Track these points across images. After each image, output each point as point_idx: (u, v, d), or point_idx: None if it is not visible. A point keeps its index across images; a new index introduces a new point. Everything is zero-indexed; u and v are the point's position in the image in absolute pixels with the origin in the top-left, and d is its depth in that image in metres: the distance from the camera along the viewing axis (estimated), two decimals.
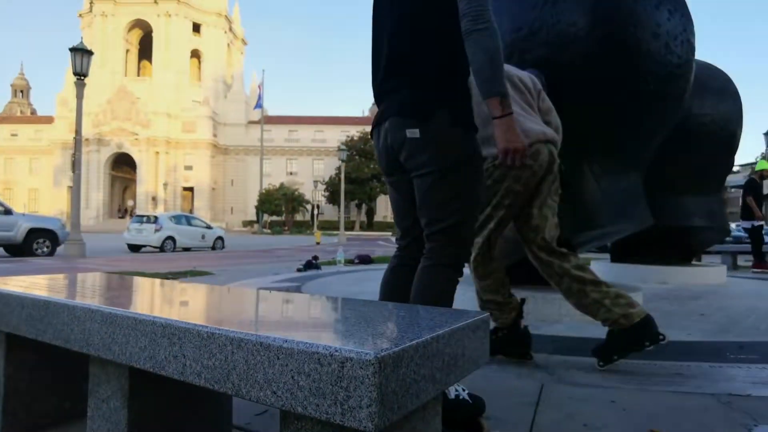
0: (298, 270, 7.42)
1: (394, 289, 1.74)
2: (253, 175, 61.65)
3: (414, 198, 1.67)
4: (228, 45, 72.14)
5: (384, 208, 65.09)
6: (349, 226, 55.82)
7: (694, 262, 6.87)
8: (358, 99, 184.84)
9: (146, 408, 1.16)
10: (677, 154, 5.12)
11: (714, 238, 6.54)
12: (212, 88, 67.21)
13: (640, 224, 3.50)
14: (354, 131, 61.47)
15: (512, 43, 3.19)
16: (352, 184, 54.40)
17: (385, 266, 7.75)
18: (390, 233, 47.29)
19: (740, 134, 5.79)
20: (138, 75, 68.17)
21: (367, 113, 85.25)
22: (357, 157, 56.31)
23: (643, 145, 3.30)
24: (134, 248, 16.06)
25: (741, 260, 9.31)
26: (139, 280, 1.78)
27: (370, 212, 61.12)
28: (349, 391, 0.74)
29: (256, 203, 52.70)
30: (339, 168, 42.84)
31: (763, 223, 8.11)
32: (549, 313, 3.31)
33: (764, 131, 19.36)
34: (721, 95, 5.46)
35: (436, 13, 1.55)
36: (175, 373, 0.96)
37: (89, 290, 1.50)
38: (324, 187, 58.80)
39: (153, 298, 1.49)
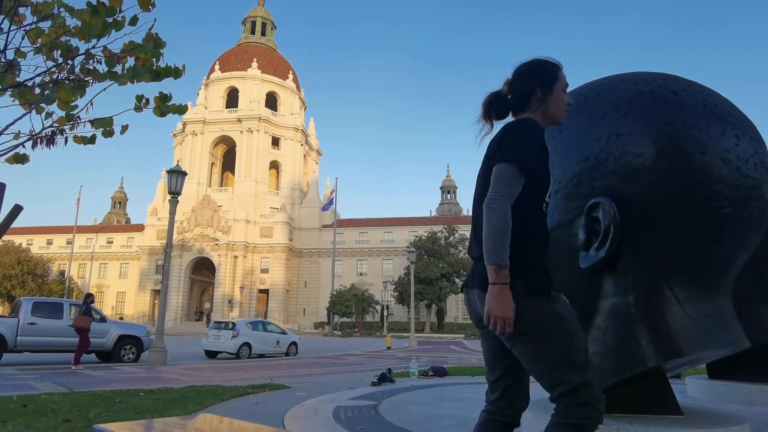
0: (373, 384, 7.37)
1: None
2: (325, 277, 63.03)
3: (498, 352, 1.81)
4: (304, 156, 77.50)
5: (454, 308, 63.69)
6: (420, 328, 54.75)
7: None
8: (425, 200, 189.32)
9: None
10: None
11: None
12: (289, 195, 71.48)
13: (734, 348, 3.32)
14: (422, 231, 62.30)
15: (580, 172, 3.32)
16: (421, 284, 54.13)
17: (459, 379, 7.58)
18: (462, 335, 45.78)
19: None
20: (221, 185, 74.00)
21: (434, 213, 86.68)
22: (425, 256, 56.52)
23: (726, 268, 3.21)
24: (211, 354, 16.55)
25: None
26: None
27: (440, 313, 59.93)
28: None
29: (327, 305, 53.33)
30: (407, 268, 43.08)
31: None
32: None
33: None
34: None
35: None
36: None
37: None
38: (393, 287, 58.88)
39: None
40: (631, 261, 3.11)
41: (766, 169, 3.22)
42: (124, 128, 2.85)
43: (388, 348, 23.39)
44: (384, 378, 7.70)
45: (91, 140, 2.72)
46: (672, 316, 3.06)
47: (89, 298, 12.54)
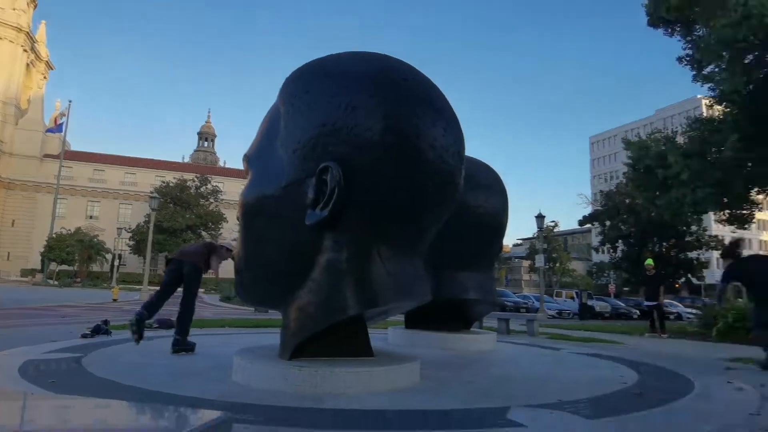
0: (83, 336, 6.64)
1: None
2: (43, 216, 53.57)
3: None
4: (28, 65, 63.53)
5: None
6: (157, 281, 51.10)
7: (474, 329, 7.85)
8: (179, 144, 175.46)
9: None
10: (456, 238, 5.95)
11: (486, 310, 7.59)
12: (0, 110, 57.97)
13: (420, 301, 4.00)
14: (171, 177, 57.77)
15: (317, 136, 3.53)
16: (164, 234, 50.45)
17: (193, 331, 7.05)
18: (202, 290, 44.34)
19: (506, 222, 6.97)
20: None
21: (187, 159, 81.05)
22: (171, 205, 52.74)
23: (423, 236, 3.83)
24: None
25: (514, 324, 10.89)
26: None
27: None
28: None
29: (43, 249, 45.53)
30: (149, 216, 39.41)
31: (656, 303, 11.59)
32: (333, 388, 3.51)
33: (536, 214, 23.25)
34: (490, 190, 6.57)
35: None
36: None
37: None
38: (129, 235, 53.45)
39: None
40: (349, 222, 3.47)
41: (461, 159, 3.91)
42: None
43: (115, 300, 21.34)
44: (98, 330, 7.02)
45: None
46: (374, 271, 3.53)
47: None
